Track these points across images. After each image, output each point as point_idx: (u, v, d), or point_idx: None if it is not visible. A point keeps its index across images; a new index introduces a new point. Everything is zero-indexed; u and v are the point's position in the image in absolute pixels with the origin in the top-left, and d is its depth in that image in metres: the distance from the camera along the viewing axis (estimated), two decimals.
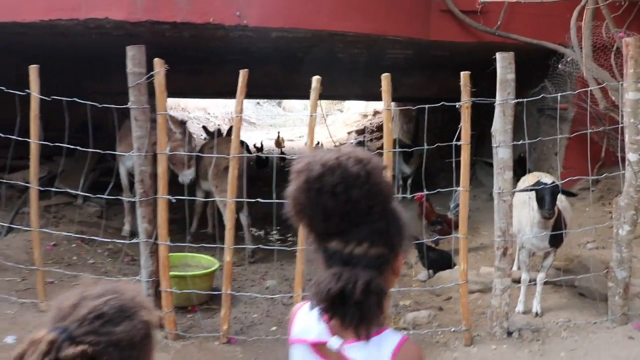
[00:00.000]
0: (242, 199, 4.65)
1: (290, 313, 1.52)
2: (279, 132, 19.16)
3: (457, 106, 4.12)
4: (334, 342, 1.34)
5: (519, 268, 5.14)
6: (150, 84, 4.17)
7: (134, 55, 4.05)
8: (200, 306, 4.83)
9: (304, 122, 30.35)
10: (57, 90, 4.42)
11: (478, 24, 6.75)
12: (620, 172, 4.23)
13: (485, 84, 4.51)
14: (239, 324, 4.67)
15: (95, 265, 5.97)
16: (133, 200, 6.92)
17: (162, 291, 4.18)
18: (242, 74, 4.02)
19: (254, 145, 16.55)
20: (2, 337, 4.09)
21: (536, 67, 7.24)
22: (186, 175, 6.45)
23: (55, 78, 4.42)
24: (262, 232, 7.87)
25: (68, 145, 4.49)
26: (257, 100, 28.32)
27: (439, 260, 5.81)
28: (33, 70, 4.37)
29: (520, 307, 4.73)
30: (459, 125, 4.16)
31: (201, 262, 5.42)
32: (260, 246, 5.27)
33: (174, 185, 5.37)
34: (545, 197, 4.19)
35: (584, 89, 5.37)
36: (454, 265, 5.68)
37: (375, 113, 22.53)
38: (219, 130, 8.67)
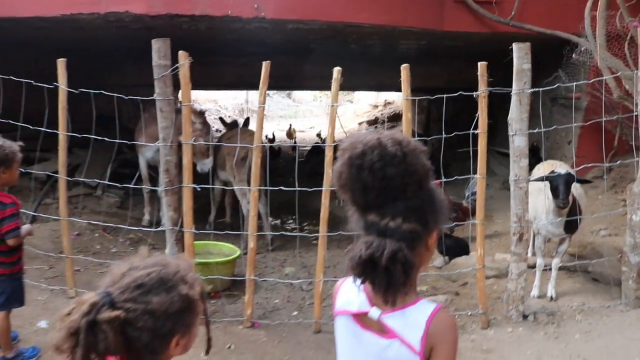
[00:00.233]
0: (262, 187, 4.75)
1: (334, 289, 1.64)
2: (290, 124, 19.28)
3: (474, 95, 4.21)
4: (374, 312, 1.47)
5: (534, 254, 5.24)
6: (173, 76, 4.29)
7: (159, 48, 4.17)
8: (223, 292, 4.96)
9: (313, 113, 30.52)
10: (72, 83, 4.57)
11: (492, 14, 6.80)
12: (633, 159, 4.31)
13: (499, 74, 4.60)
14: (261, 309, 4.81)
15: (118, 254, 6.13)
16: (155, 190, 7.19)
17: None
18: (265, 66, 4.14)
19: (266, 137, 16.70)
20: (35, 322, 4.25)
21: (550, 57, 7.30)
22: (205, 164, 6.59)
23: (71, 71, 4.53)
24: (278, 221, 8.01)
25: (95, 137, 4.61)
26: (267, 92, 28.45)
27: (455, 247, 5.92)
28: (61, 64, 4.49)
29: (535, 292, 4.84)
30: (474, 115, 4.25)
31: (222, 250, 5.56)
32: (283, 233, 5.41)
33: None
34: (559, 187, 4.29)
35: (598, 78, 5.44)
36: (470, 252, 5.79)
37: (386, 103, 22.59)
38: (235, 122, 8.80)
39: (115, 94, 4.55)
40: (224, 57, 10.04)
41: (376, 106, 24.45)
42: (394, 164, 1.38)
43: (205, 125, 6.67)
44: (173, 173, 4.30)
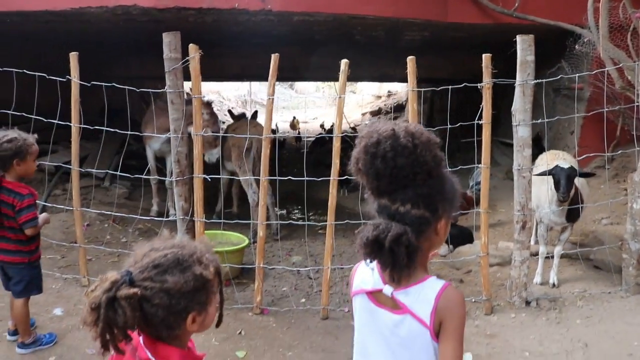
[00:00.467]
0: (271, 178, 4.84)
1: (351, 273, 1.75)
2: (294, 116, 19.35)
3: (479, 87, 4.29)
4: (387, 289, 1.58)
5: (537, 242, 5.34)
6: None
7: (170, 42, 4.25)
8: (233, 280, 5.08)
9: (316, 104, 30.57)
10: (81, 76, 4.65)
11: (495, 6, 6.86)
12: (635, 149, 4.40)
13: (502, 65, 4.67)
14: (269, 296, 4.93)
15: (127, 244, 6.24)
16: (163, 181, 7.31)
17: None
18: (274, 58, 4.22)
19: None
20: (51, 309, 4.37)
21: (553, 48, 7.35)
22: (213, 155, 6.69)
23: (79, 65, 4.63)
24: (284, 212, 8.12)
25: (107, 129, 4.71)
26: None
27: (459, 236, 6.03)
28: (73, 58, 4.58)
29: (537, 279, 4.94)
30: (479, 106, 4.34)
31: (231, 239, 5.67)
32: (291, 222, 5.51)
33: None
34: (561, 181, 4.39)
35: (601, 69, 5.51)
36: (474, 240, 5.90)
37: (389, 94, 22.63)
38: (243, 114, 8.89)
39: (127, 87, 4.62)
40: (229, 48, 10.12)
41: (379, 97, 24.51)
42: (405, 154, 1.48)
43: (213, 115, 6.76)
44: (184, 164, 4.40)
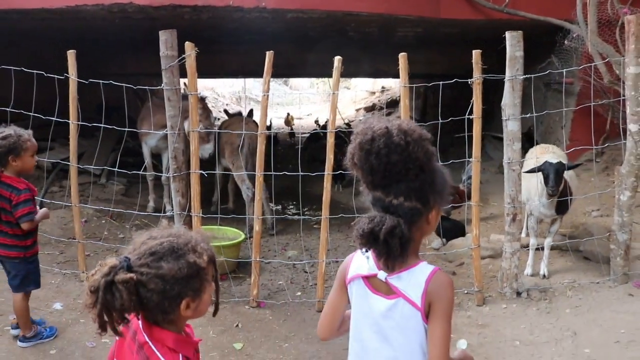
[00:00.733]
0: (266, 173, 4.92)
1: (345, 262, 1.84)
2: (288, 113, 19.39)
3: (469, 82, 4.38)
4: (382, 274, 1.68)
5: (527, 234, 5.44)
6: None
7: (166, 40, 4.32)
8: (229, 274, 5.16)
9: (310, 100, 30.60)
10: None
11: (486, 2, 6.95)
12: (621, 142, 4.50)
13: (494, 60, 4.76)
14: (266, 290, 5.02)
15: (125, 240, 6.32)
16: (159, 177, 7.37)
17: None
18: (269, 56, 4.30)
19: None
20: (51, 304, 4.45)
21: (543, 43, 7.46)
22: (205, 150, 6.74)
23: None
24: (279, 207, 8.20)
25: (105, 126, 4.78)
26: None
27: (452, 229, 6.13)
28: (71, 55, 4.64)
29: (528, 270, 5.05)
30: (471, 100, 4.43)
31: (227, 234, 5.75)
32: (287, 216, 5.59)
33: None
34: (550, 176, 4.49)
35: (589, 64, 5.61)
36: (466, 233, 6.00)
37: (383, 90, 22.70)
38: (240, 113, 8.96)
39: (124, 84, 4.69)
40: (224, 45, 10.17)
41: (373, 92, 24.57)
42: (398, 151, 1.57)
43: (205, 110, 6.83)
44: (181, 160, 4.48)
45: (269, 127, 16.68)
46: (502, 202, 5.08)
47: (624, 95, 4.49)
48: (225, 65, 12.23)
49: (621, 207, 4.53)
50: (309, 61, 10.77)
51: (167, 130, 4.53)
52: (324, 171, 4.50)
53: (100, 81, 4.63)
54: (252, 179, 6.47)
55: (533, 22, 6.97)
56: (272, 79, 4.43)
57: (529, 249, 5.10)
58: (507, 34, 4.35)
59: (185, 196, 4.58)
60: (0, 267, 3.83)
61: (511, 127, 4.41)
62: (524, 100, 4.51)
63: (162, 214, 5.54)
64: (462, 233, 6.10)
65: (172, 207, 4.83)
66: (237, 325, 4.26)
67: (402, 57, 4.33)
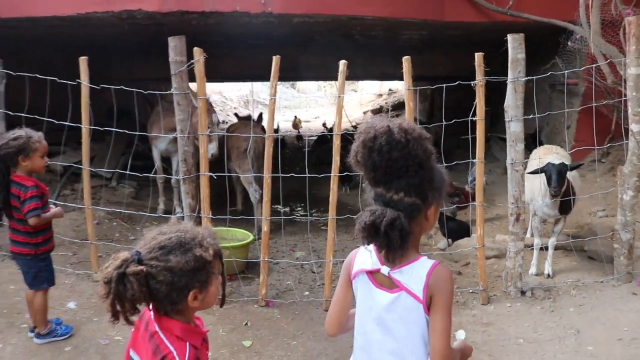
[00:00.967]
0: (274, 175, 5.00)
1: (349, 258, 1.92)
2: (295, 116, 19.50)
3: (472, 84, 4.46)
4: (384, 269, 1.77)
5: (532, 235, 5.51)
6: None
7: (175, 46, 4.43)
8: (238, 275, 5.26)
9: (318, 103, 30.71)
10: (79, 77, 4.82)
11: (490, 5, 7.02)
12: (623, 142, 4.56)
13: (498, 62, 4.82)
14: (274, 289, 5.11)
15: (136, 241, 6.42)
16: (169, 180, 7.48)
17: None
18: (275, 60, 4.39)
19: None
20: (65, 303, 4.56)
21: (547, 44, 7.52)
22: (208, 150, 6.84)
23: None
24: (287, 209, 8.29)
25: (117, 130, 4.89)
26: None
27: (457, 230, 6.21)
28: (83, 62, 4.75)
29: (533, 270, 5.11)
30: (474, 102, 4.51)
31: (236, 235, 5.84)
32: (295, 217, 5.68)
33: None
34: (552, 177, 4.57)
35: (592, 65, 5.66)
36: (471, 234, 6.07)
37: (390, 92, 22.75)
38: (249, 116, 9.07)
39: (134, 89, 4.80)
40: (231, 50, 10.30)
41: (380, 95, 24.62)
42: (398, 148, 1.66)
43: (209, 110, 6.92)
44: (190, 162, 4.59)
45: (276, 131, 16.84)
46: (507, 202, 5.15)
47: (625, 96, 4.56)
48: (232, 69, 12.33)
49: (624, 207, 4.59)
50: (315, 64, 10.86)
51: (176, 134, 4.63)
52: (330, 173, 4.59)
53: (112, 87, 4.75)
54: (259, 181, 6.59)
55: (537, 23, 7.04)
56: (279, 82, 4.52)
57: (533, 249, 5.16)
58: (509, 37, 4.43)
59: (195, 198, 4.68)
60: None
61: (514, 128, 4.48)
62: (529, 102, 4.58)
63: (172, 216, 5.64)
64: (468, 233, 6.18)
65: (182, 209, 4.93)
66: (246, 324, 4.35)
67: (406, 60, 4.41)
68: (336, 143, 4.52)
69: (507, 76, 4.52)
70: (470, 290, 4.83)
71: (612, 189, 4.99)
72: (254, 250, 5.69)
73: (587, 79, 7.01)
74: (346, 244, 6.47)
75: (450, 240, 6.23)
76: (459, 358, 1.92)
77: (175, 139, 6.49)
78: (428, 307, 1.73)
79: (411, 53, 4.51)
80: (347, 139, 4.72)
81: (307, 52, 10.25)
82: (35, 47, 8.75)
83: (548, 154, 4.98)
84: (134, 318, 1.65)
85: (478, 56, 4.42)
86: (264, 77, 4.56)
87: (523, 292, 4.70)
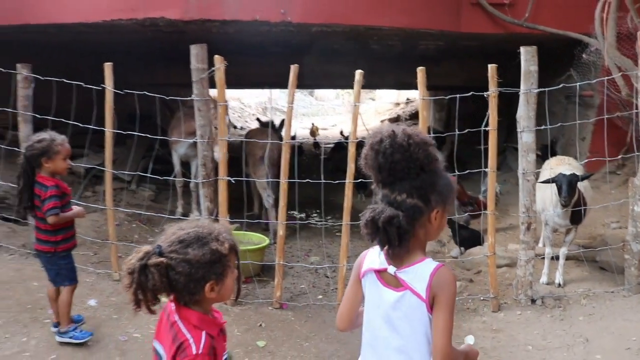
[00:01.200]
0: (290, 180, 5.12)
1: (360, 258, 2.03)
2: (313, 123, 19.65)
3: (485, 95, 4.55)
4: (391, 269, 1.87)
5: (544, 245, 5.56)
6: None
7: (197, 53, 4.59)
8: (254, 277, 5.38)
9: (336, 111, 30.84)
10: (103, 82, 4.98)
11: (506, 16, 7.10)
12: (634, 154, 4.62)
13: (513, 73, 4.89)
14: (288, 293, 5.23)
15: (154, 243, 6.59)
16: (187, 184, 7.65)
17: None
18: (293, 69, 4.53)
19: None
20: (86, 301, 4.71)
21: (563, 56, 7.57)
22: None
23: (103, 72, 4.99)
24: (303, 215, 8.41)
25: (139, 134, 5.06)
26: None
27: (470, 238, 6.28)
28: (108, 68, 4.93)
29: (544, 279, 5.17)
30: (487, 113, 4.60)
31: (252, 239, 5.97)
32: (310, 222, 5.80)
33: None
34: (562, 187, 4.64)
35: (606, 77, 5.73)
36: (484, 242, 6.13)
37: (408, 101, 22.82)
38: (272, 122, 9.25)
39: (156, 95, 4.96)
40: (250, 57, 10.44)
41: (398, 104, 24.70)
42: (401, 151, 1.78)
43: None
44: (210, 167, 4.73)
45: (293, 138, 16.97)
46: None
47: (635, 108, 4.62)
48: (251, 76, 12.50)
49: (635, 218, 4.64)
50: (333, 73, 10.99)
51: (197, 138, 4.77)
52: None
53: (135, 92, 4.91)
54: (273, 187, 6.75)
55: (552, 36, 7.10)
56: (297, 90, 4.65)
57: (544, 258, 5.22)
58: (522, 49, 4.52)
59: (213, 202, 4.81)
60: None
61: (526, 138, 4.57)
62: (544, 113, 4.65)
63: (189, 219, 5.79)
64: (480, 242, 6.24)
65: (200, 212, 5.07)
66: (261, 325, 4.47)
67: (420, 71, 4.52)
68: (351, 150, 4.63)
69: (515, 88, 4.61)
70: (481, 298, 4.91)
71: (624, 200, 5.03)
72: (270, 254, 5.82)
73: (603, 91, 7.05)
74: (359, 250, 6.46)
75: (462, 248, 6.31)
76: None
77: (194, 144, 6.67)
78: (431, 306, 1.82)
79: (428, 63, 4.63)
80: (362, 146, 4.83)
81: (325, 61, 10.38)
82: (60, 52, 8.98)
83: (560, 165, 5.05)
84: (156, 308, 1.78)
85: (491, 68, 4.52)
86: (283, 84, 4.69)
87: (533, 301, 4.76)
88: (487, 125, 4.62)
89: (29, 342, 3.97)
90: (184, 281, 1.71)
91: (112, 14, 6.54)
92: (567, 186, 4.56)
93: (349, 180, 4.67)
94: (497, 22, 7.23)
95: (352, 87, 4.65)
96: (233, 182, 4.80)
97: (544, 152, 7.28)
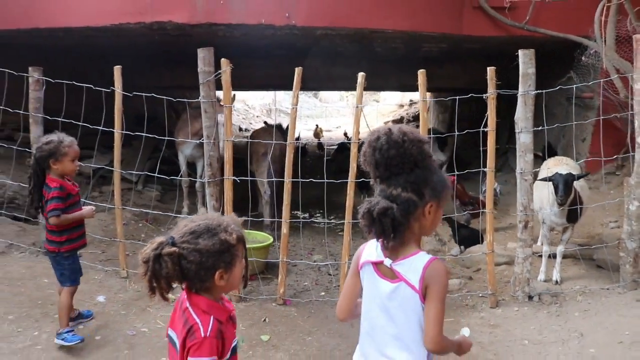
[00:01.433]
0: (294, 180, 5.24)
1: (358, 250, 2.15)
2: (317, 124, 19.79)
3: (484, 97, 4.67)
4: (387, 261, 1.99)
5: (542, 243, 5.68)
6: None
7: (204, 57, 4.72)
8: (258, 275, 5.51)
9: (340, 112, 30.95)
10: (109, 85, 5.12)
11: (507, 19, 7.22)
12: (629, 155, 4.74)
13: (514, 75, 4.99)
14: (292, 289, 5.35)
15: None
16: (193, 184, 7.80)
17: None
18: (297, 72, 4.66)
19: None
20: (94, 297, 4.85)
21: (563, 58, 7.68)
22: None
23: (110, 74, 5.12)
24: (306, 215, 8.54)
25: (147, 135, 5.20)
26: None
27: (469, 237, 6.40)
28: (117, 71, 5.07)
29: (541, 276, 5.29)
30: (486, 114, 4.72)
31: (257, 237, 6.10)
32: (313, 220, 5.93)
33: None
34: (559, 186, 4.76)
35: (603, 79, 5.84)
36: (483, 241, 6.25)
37: (412, 103, 22.94)
38: (280, 125, 9.43)
39: (164, 97, 5.10)
40: (255, 59, 10.59)
41: (402, 105, 24.85)
42: (395, 147, 1.91)
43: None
44: (216, 167, 4.86)
45: (297, 139, 17.12)
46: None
47: (630, 110, 4.73)
48: (256, 79, 12.61)
49: (630, 217, 4.75)
50: (336, 75, 11.13)
51: (203, 139, 4.91)
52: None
53: (143, 94, 5.05)
54: (271, 185, 6.93)
55: (553, 38, 7.21)
56: (301, 92, 4.78)
57: (542, 256, 5.34)
58: (520, 52, 4.64)
59: (219, 201, 4.95)
60: None
61: (523, 139, 4.69)
62: (545, 114, 4.76)
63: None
64: (479, 241, 6.36)
65: (207, 210, 5.20)
66: (265, 320, 4.59)
67: (421, 73, 4.65)
68: (353, 151, 4.76)
69: (514, 90, 4.72)
70: (480, 294, 5.02)
71: (619, 199, 5.14)
72: (273, 252, 5.95)
73: (602, 93, 7.15)
74: None
75: (462, 247, 6.42)
76: (457, 350, 2.13)
77: (199, 145, 6.81)
78: (424, 296, 1.94)
79: (431, 65, 4.75)
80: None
81: (329, 63, 10.52)
82: (67, 55, 9.13)
83: (558, 165, 5.17)
84: (169, 296, 1.91)
85: (490, 70, 4.64)
86: (287, 86, 4.81)
87: (530, 297, 4.87)
88: (486, 126, 4.73)
89: (40, 335, 4.10)
90: (195, 269, 1.85)
91: (120, 18, 6.70)
92: (563, 185, 4.68)
93: (351, 179, 4.79)
94: (498, 25, 7.35)
95: (355, 89, 4.77)
96: (238, 181, 4.93)
97: (545, 152, 7.39)
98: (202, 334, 1.85)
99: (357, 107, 4.78)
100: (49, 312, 4.46)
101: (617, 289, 4.88)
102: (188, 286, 1.93)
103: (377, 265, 2.04)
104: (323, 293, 5.34)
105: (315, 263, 5.97)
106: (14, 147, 5.99)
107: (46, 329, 4.20)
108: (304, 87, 4.83)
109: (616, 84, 6.32)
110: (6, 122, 6.51)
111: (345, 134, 19.10)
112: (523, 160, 4.71)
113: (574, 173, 4.85)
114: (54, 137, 3.90)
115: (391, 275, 1.99)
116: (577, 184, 4.92)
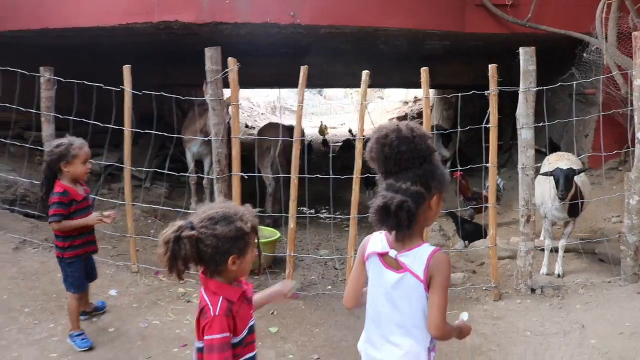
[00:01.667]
0: (301, 176, 5.34)
1: (364, 242, 2.25)
2: (322, 122, 19.86)
3: (485, 94, 4.77)
4: (392, 252, 2.10)
5: (544, 238, 5.77)
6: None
7: (211, 56, 4.83)
8: (266, 269, 5.62)
9: (344, 109, 30.99)
10: (117, 83, 5.23)
11: (509, 17, 7.30)
12: (629, 149, 4.82)
13: (516, 72, 5.08)
14: (299, 283, 5.46)
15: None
16: (204, 179, 7.91)
17: None
18: (303, 70, 4.76)
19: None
20: (106, 291, 4.97)
21: (565, 55, 7.75)
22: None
23: (117, 73, 5.23)
24: (312, 211, 8.65)
25: (156, 132, 5.31)
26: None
27: (473, 232, 6.49)
28: (126, 70, 5.18)
29: (544, 270, 5.39)
30: (488, 111, 4.81)
31: (264, 233, 6.20)
32: (320, 215, 6.04)
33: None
34: (560, 181, 4.85)
35: (605, 76, 5.92)
36: (487, 235, 6.35)
37: (416, 100, 22.99)
38: (291, 126, 9.58)
39: (173, 95, 5.21)
40: (260, 57, 10.68)
41: (406, 102, 24.86)
42: (406, 143, 2.00)
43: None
44: (224, 163, 4.97)
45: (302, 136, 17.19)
46: None
47: (629, 106, 4.82)
48: (261, 76, 12.71)
49: (630, 211, 4.84)
50: (341, 72, 11.23)
51: (210, 136, 5.02)
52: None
53: (152, 92, 5.16)
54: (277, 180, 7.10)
55: (555, 35, 7.29)
56: (305, 89, 4.88)
57: (544, 250, 5.43)
58: (521, 50, 4.73)
59: (227, 197, 5.05)
60: None
61: (525, 135, 4.78)
62: (549, 111, 4.85)
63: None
64: (483, 235, 6.45)
65: None
66: (273, 313, 4.71)
67: (424, 71, 4.74)
68: (358, 147, 4.87)
69: (515, 87, 4.81)
70: (484, 287, 5.12)
71: (619, 193, 5.23)
72: (280, 248, 6.06)
73: (604, 89, 7.23)
74: None
75: (466, 241, 6.52)
76: (457, 334, 2.24)
77: (206, 142, 6.92)
78: (428, 286, 2.05)
79: (435, 62, 4.85)
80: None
81: (333, 60, 10.61)
82: (75, 55, 9.23)
83: (559, 161, 5.25)
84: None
85: (491, 67, 4.73)
86: (293, 83, 4.92)
87: (533, 290, 4.97)
88: (487, 122, 4.82)
89: (56, 327, 4.23)
90: (210, 252, 1.99)
91: (128, 18, 6.80)
92: (564, 180, 4.77)
93: (357, 175, 4.89)
94: (500, 22, 7.43)
95: (359, 87, 4.87)
96: (246, 177, 5.04)
97: (547, 148, 7.47)
98: (212, 313, 2.00)
99: (361, 104, 4.88)
100: (63, 305, 4.57)
101: (618, 282, 4.97)
102: (204, 271, 2.06)
103: (383, 256, 2.14)
104: (329, 287, 5.44)
105: (322, 257, 6.08)
106: (26, 145, 6.12)
107: (62, 321, 4.32)
108: (308, 84, 4.92)
109: (617, 80, 6.39)
110: (16, 121, 6.64)
111: (350, 131, 19.17)
112: (524, 155, 4.81)
113: (574, 168, 4.94)
114: (64, 140, 3.89)
115: (396, 265, 2.09)
116: (578, 179, 5.01)
